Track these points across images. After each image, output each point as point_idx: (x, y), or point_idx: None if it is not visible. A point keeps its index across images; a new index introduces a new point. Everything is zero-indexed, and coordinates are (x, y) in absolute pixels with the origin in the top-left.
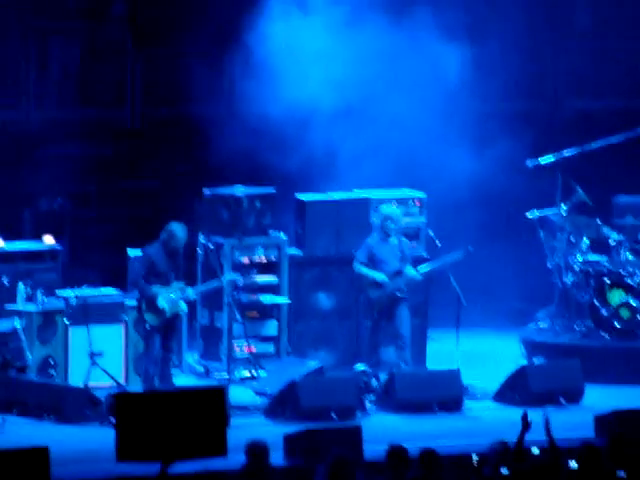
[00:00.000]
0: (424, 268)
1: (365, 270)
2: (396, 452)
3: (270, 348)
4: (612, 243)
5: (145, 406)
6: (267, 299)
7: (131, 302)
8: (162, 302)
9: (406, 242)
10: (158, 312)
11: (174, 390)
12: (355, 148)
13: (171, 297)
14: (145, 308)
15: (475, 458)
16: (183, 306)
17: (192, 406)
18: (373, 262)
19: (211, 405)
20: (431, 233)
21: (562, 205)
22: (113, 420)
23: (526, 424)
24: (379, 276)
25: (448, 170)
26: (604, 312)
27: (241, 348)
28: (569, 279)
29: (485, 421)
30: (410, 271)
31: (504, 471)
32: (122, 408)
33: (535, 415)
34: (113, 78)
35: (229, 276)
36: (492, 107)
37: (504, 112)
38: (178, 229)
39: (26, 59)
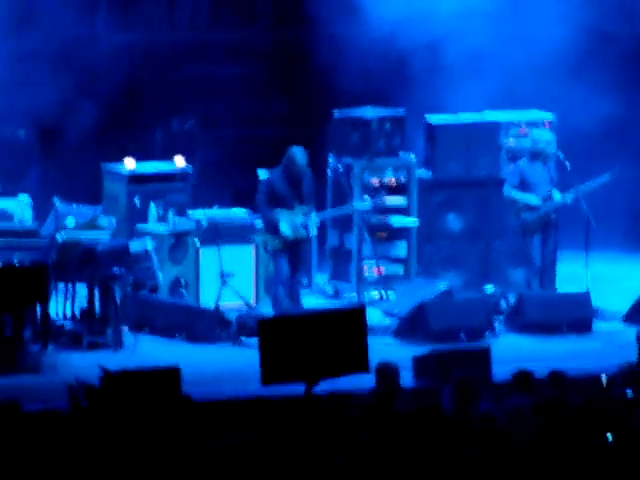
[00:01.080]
0: (572, 192)
1: (518, 194)
2: (521, 376)
3: (399, 269)
4: None
5: (288, 329)
6: (396, 221)
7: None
8: (284, 227)
9: (553, 166)
10: (279, 236)
11: (315, 312)
12: (485, 68)
13: (294, 222)
14: (266, 231)
15: (604, 379)
16: (311, 230)
17: (333, 326)
18: (524, 185)
19: (351, 324)
20: (561, 155)
21: None
22: (244, 341)
23: None
24: (533, 199)
25: (579, 92)
26: None
27: (370, 269)
28: None
29: (615, 342)
30: (557, 195)
31: (629, 393)
32: (265, 332)
33: None
34: None
35: (358, 204)
36: (622, 33)
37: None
38: (297, 154)
39: None
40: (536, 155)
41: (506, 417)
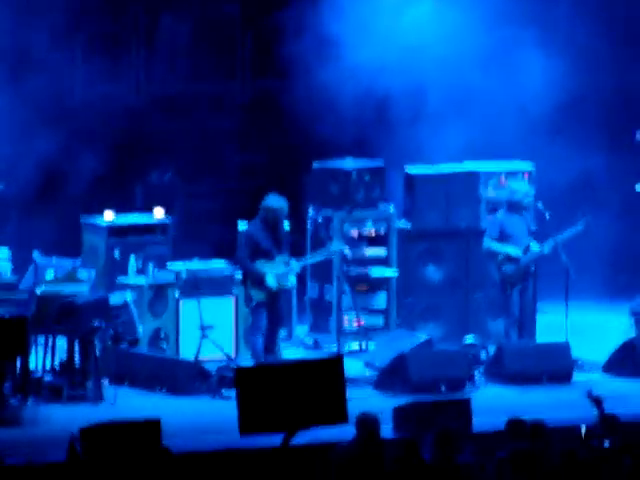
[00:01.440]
0: (549, 243)
1: (498, 246)
2: (515, 424)
3: (379, 321)
4: None
5: (265, 378)
6: (376, 272)
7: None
8: (270, 280)
9: (531, 217)
10: (264, 288)
11: (293, 362)
12: (465, 117)
13: (277, 272)
14: (250, 284)
15: (583, 430)
16: (291, 280)
17: (311, 376)
18: (502, 237)
19: (329, 374)
20: (540, 205)
21: None
22: (224, 393)
23: (596, 400)
24: (513, 251)
25: (552, 143)
26: None
27: (350, 321)
28: None
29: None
30: (535, 246)
31: (606, 444)
32: (242, 381)
33: None
34: (223, 52)
35: (335, 246)
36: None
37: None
38: (274, 202)
39: (136, 34)
40: (513, 206)
41: (491, 468)
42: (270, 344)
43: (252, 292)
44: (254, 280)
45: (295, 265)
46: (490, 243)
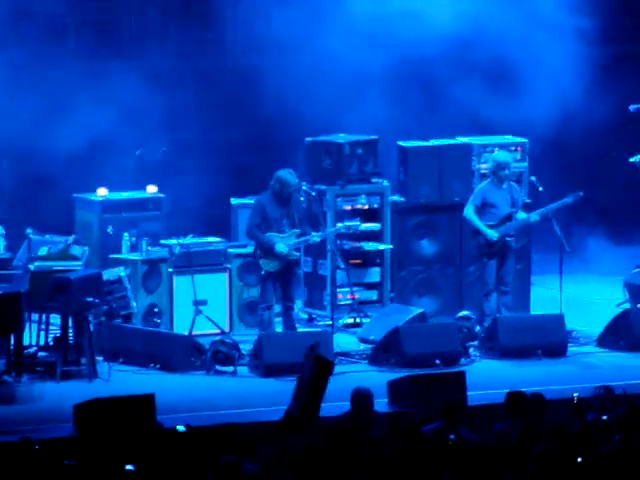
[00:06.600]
0: (536, 214)
1: (476, 220)
2: (514, 397)
3: (373, 295)
4: None
5: None
6: (370, 246)
7: (235, 250)
8: (281, 247)
9: (516, 187)
10: (273, 258)
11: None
12: (455, 95)
13: (288, 243)
14: (260, 254)
15: (576, 399)
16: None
17: None
18: (484, 206)
19: None
20: (533, 178)
21: None
22: (217, 368)
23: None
24: (490, 233)
25: (552, 114)
26: None
27: (344, 295)
28: None
29: (589, 366)
30: (521, 215)
31: (604, 417)
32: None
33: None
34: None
35: (346, 223)
36: (597, 51)
37: (609, 56)
38: (286, 175)
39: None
40: (496, 177)
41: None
42: (285, 320)
43: (261, 261)
44: (263, 249)
45: (316, 237)
46: (471, 215)
